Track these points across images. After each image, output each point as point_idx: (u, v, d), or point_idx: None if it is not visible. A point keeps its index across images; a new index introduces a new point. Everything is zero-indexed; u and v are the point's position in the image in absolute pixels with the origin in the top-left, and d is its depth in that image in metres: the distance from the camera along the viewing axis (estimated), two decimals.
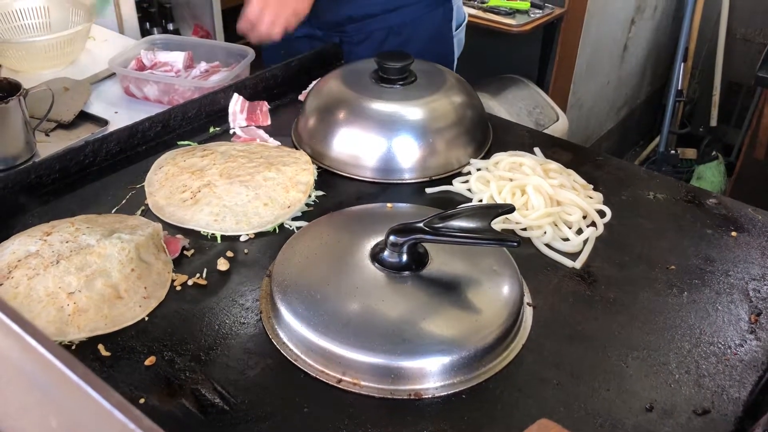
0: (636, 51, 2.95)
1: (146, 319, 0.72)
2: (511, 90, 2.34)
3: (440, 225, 0.70)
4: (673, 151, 3.05)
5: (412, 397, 0.64)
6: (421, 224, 0.71)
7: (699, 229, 0.88)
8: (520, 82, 2.40)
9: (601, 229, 0.86)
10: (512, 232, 0.85)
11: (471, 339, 0.66)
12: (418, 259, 0.72)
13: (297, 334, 0.68)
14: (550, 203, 0.87)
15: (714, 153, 3.06)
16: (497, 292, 0.71)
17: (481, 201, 0.90)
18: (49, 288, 0.72)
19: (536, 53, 2.46)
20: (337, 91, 1.02)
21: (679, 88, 2.88)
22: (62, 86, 1.29)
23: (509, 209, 0.73)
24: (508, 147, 1.02)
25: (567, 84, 2.55)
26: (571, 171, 0.94)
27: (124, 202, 0.89)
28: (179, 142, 1.02)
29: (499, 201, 0.88)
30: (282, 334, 0.70)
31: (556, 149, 1.03)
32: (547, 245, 0.83)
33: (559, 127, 2.41)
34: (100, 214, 0.85)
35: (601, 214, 0.88)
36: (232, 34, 2.36)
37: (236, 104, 1.09)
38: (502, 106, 2.26)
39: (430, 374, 0.64)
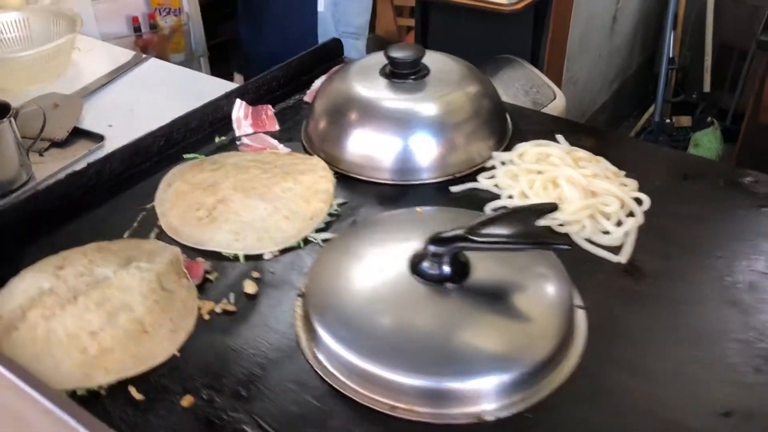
0: (625, 21, 2.91)
1: (177, 354, 0.67)
2: (506, 71, 2.28)
3: (483, 230, 0.66)
4: (668, 120, 3.03)
5: (474, 420, 0.60)
6: (462, 231, 0.66)
7: (740, 210, 0.84)
8: (515, 62, 2.35)
9: (641, 218, 0.82)
10: (549, 229, 0.81)
11: (528, 352, 0.62)
12: (461, 269, 0.68)
13: (340, 359, 0.64)
14: (585, 195, 0.83)
15: (709, 119, 3.03)
16: (548, 297, 0.67)
17: (511, 197, 0.85)
18: (69, 329, 0.67)
19: (529, 32, 2.41)
20: (347, 91, 0.97)
21: (671, 56, 2.85)
22: (52, 102, 1.23)
23: (552, 208, 0.69)
24: (527, 136, 0.98)
25: (561, 60, 2.50)
26: (600, 158, 0.90)
27: (135, 224, 0.84)
28: (185, 156, 0.96)
29: (531, 195, 0.84)
30: (324, 360, 0.65)
31: (578, 135, 0.98)
32: (587, 240, 0.79)
33: (558, 105, 2.36)
34: (111, 241, 0.80)
35: (638, 202, 0.84)
36: (210, 30, 2.28)
37: (239, 110, 1.04)
38: (498, 87, 2.19)
39: (490, 394, 0.60)
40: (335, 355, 0.64)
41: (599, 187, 0.83)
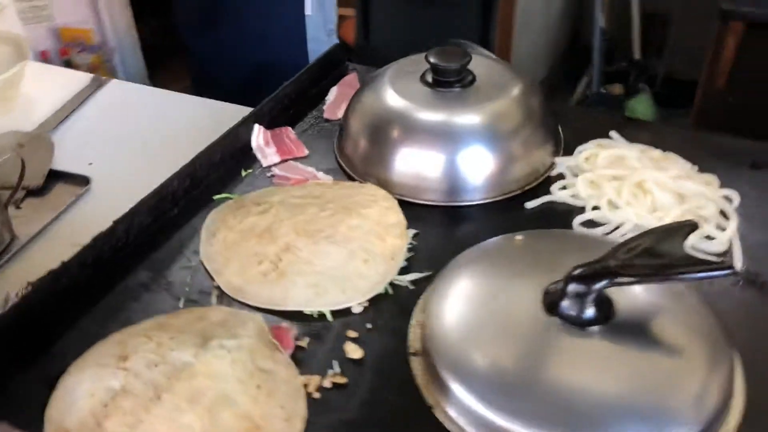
0: None
1: None
2: None
3: (631, 262, 0.59)
4: (603, 90, 3.08)
5: None
6: (607, 264, 0.59)
7: None
8: (467, 46, 2.29)
9: (737, 218, 0.77)
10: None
11: (698, 406, 0.55)
12: (605, 308, 0.61)
13: (482, 419, 0.55)
14: (677, 200, 0.77)
15: (641, 85, 3.10)
16: (703, 331, 0.60)
17: (597, 208, 0.79)
18: None
19: (477, 14, 2.36)
20: (387, 103, 0.87)
21: (602, 26, 2.89)
22: (15, 143, 1.06)
23: (692, 226, 0.63)
24: (576, 135, 0.92)
25: (510, 40, 2.47)
26: (672, 154, 0.85)
27: (187, 289, 0.72)
28: (215, 197, 0.84)
29: (622, 205, 0.77)
30: (462, 422, 0.56)
31: (628, 130, 0.93)
32: (693, 248, 0.74)
33: None
34: (171, 314, 0.68)
35: (727, 199, 0.80)
36: None
37: (259, 137, 0.93)
38: None
39: None
40: (476, 415, 0.56)
41: (688, 189, 0.78)
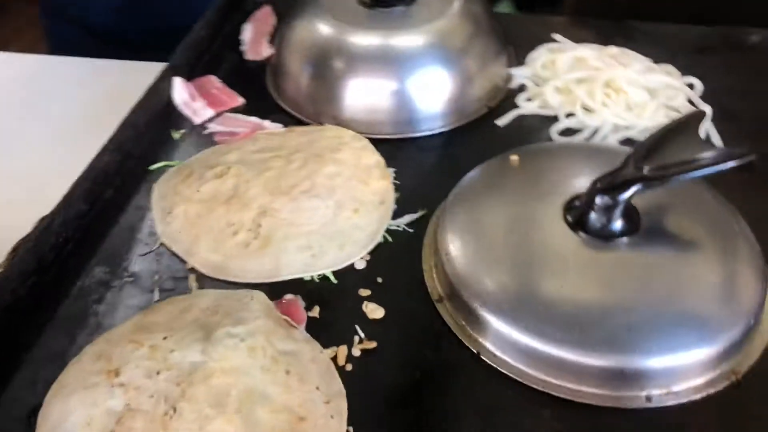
0: None
1: (350, 430, 0.50)
2: None
3: (654, 164, 0.56)
4: None
5: (732, 380, 0.52)
6: (633, 171, 0.55)
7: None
8: None
9: (706, 105, 0.76)
10: (628, 140, 0.73)
11: (739, 307, 0.54)
12: (635, 219, 0.57)
13: (557, 361, 0.51)
14: (648, 94, 0.75)
15: None
16: (728, 228, 0.58)
17: (571, 115, 0.75)
18: None
19: None
20: (325, 32, 0.78)
21: None
22: None
23: (699, 114, 0.60)
24: (521, 42, 0.87)
25: None
26: (628, 50, 0.83)
27: (156, 277, 0.62)
28: (152, 168, 0.73)
29: (597, 108, 0.75)
30: (529, 370, 0.52)
31: (570, 30, 0.90)
32: None
33: None
34: (147, 312, 0.57)
35: (690, 87, 0.79)
36: None
37: (182, 92, 0.81)
38: None
39: (715, 356, 0.52)
40: (526, 350, 0.52)
41: (656, 81, 0.77)
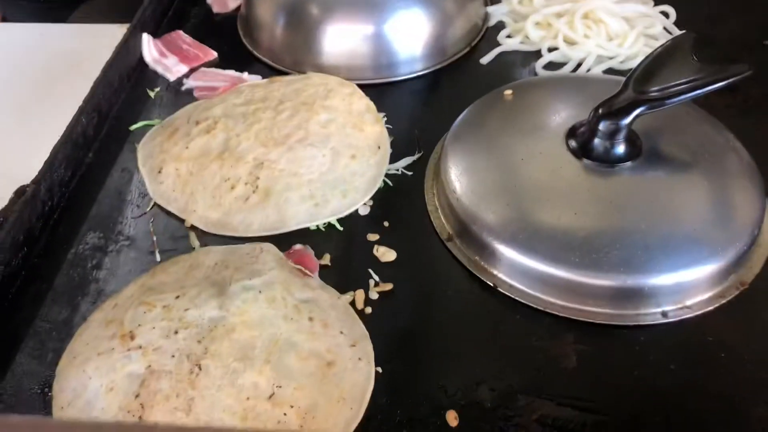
0: None
1: (379, 370, 0.50)
2: None
3: (653, 87, 0.56)
4: None
5: (741, 289, 0.54)
6: (634, 95, 0.56)
7: None
8: None
9: (681, 32, 0.77)
10: (612, 70, 0.74)
11: (745, 210, 0.55)
12: (635, 143, 0.58)
13: (575, 286, 0.52)
14: (626, 24, 0.76)
15: None
16: (724, 147, 0.59)
17: (554, 49, 0.75)
18: (236, 408, 0.46)
19: None
20: None
21: None
22: None
23: (689, 35, 0.61)
24: None
25: None
26: None
27: (154, 238, 0.59)
28: (132, 128, 0.69)
29: (578, 39, 0.75)
30: (549, 298, 0.53)
31: None
32: None
33: None
34: (153, 272, 0.56)
35: (665, 15, 0.80)
36: None
37: (150, 49, 0.77)
38: None
39: (724, 269, 0.53)
40: (543, 277, 0.52)
41: (632, 10, 0.77)
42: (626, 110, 0.55)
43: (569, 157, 0.58)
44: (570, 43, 0.75)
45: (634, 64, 0.71)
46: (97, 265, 0.57)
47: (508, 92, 0.65)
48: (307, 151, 0.62)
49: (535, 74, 0.74)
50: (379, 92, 0.73)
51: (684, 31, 0.64)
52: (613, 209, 0.55)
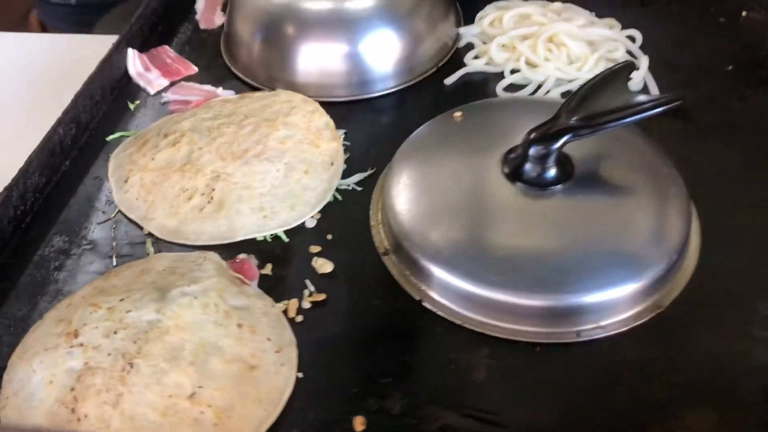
0: None
1: (300, 375, 0.53)
2: None
3: (583, 114, 0.58)
4: None
5: (655, 314, 0.55)
6: (564, 121, 0.58)
7: (715, 19, 0.84)
8: None
9: (645, 56, 0.79)
10: (569, 92, 0.75)
11: (665, 244, 0.57)
12: (568, 167, 0.60)
13: (494, 304, 0.54)
14: (589, 48, 0.78)
15: None
16: (656, 172, 0.61)
17: (516, 71, 0.78)
18: (158, 404, 0.50)
19: None
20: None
21: None
22: None
23: (629, 65, 0.63)
24: (473, 1, 0.89)
25: None
26: (571, 5, 0.85)
27: (114, 244, 0.64)
28: (108, 138, 0.74)
29: (539, 62, 0.77)
30: (468, 313, 0.56)
31: None
32: None
33: None
34: (106, 276, 0.60)
35: (631, 39, 0.81)
36: None
37: (135, 63, 0.82)
38: None
39: (625, 302, 0.55)
40: (485, 301, 0.55)
41: (596, 35, 0.79)
42: (555, 136, 0.58)
43: (503, 180, 0.60)
44: (531, 65, 0.77)
45: None
46: (59, 267, 0.62)
47: (458, 114, 0.68)
48: (262, 166, 0.66)
49: (496, 95, 0.76)
50: (346, 109, 0.76)
51: (626, 60, 0.66)
52: (537, 231, 0.57)
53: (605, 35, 0.79)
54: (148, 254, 0.63)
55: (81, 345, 0.53)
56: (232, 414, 0.50)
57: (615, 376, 0.52)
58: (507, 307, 0.54)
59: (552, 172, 0.59)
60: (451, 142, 0.66)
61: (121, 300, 0.56)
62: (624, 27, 0.82)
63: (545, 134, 0.58)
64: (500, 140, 0.63)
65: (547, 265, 0.55)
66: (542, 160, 0.59)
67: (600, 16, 0.84)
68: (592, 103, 0.59)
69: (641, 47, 0.80)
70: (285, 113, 0.71)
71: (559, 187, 0.60)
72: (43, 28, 1.43)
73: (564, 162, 0.60)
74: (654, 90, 0.75)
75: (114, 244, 0.64)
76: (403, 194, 0.61)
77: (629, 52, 0.79)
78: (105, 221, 0.66)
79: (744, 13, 0.85)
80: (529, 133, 0.59)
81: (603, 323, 0.54)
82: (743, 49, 0.80)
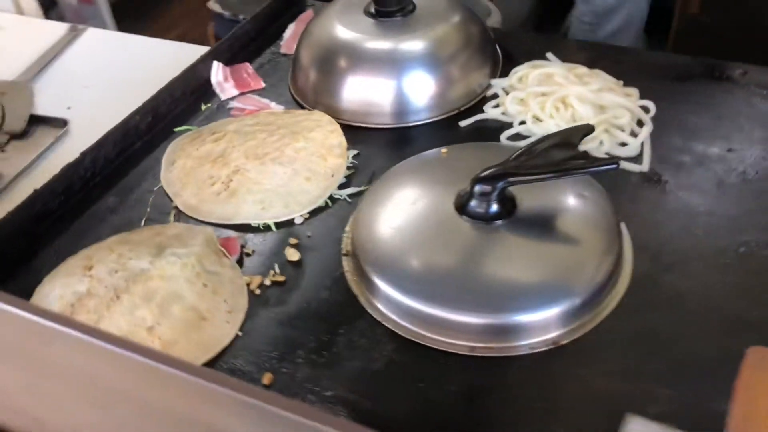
0: None
1: (240, 334, 0.65)
2: None
3: (528, 162, 0.66)
4: None
5: (552, 346, 0.61)
6: (507, 167, 0.66)
7: (739, 103, 0.87)
8: None
9: (650, 125, 0.83)
10: (585, 153, 0.82)
11: (588, 274, 0.63)
12: (509, 205, 0.68)
13: (412, 311, 0.64)
14: (596, 111, 0.84)
15: None
16: (594, 219, 0.68)
17: (523, 123, 0.85)
18: (123, 329, 0.64)
19: None
20: (333, 36, 0.93)
21: None
22: None
23: (588, 129, 0.70)
24: (517, 58, 0.97)
25: None
26: (598, 71, 0.91)
27: (149, 209, 0.80)
28: (176, 129, 0.92)
29: (545, 118, 0.84)
30: (392, 315, 0.65)
31: (567, 52, 0.98)
32: (607, 154, 0.81)
33: (495, 20, 2.35)
34: (132, 231, 0.76)
35: (645, 109, 0.86)
36: None
37: (218, 73, 0.99)
38: None
39: (560, 320, 0.62)
40: (406, 308, 0.64)
41: (608, 100, 0.84)
42: (496, 178, 0.66)
43: (453, 212, 0.69)
44: (538, 120, 0.84)
45: (589, 146, 0.80)
46: (103, 220, 0.79)
47: (444, 150, 0.77)
48: (274, 168, 0.80)
49: (498, 141, 0.84)
50: (367, 134, 0.88)
51: (584, 123, 0.72)
52: (475, 259, 0.66)
53: (616, 102, 0.84)
54: (168, 222, 0.78)
55: (91, 276, 0.69)
56: (175, 348, 0.63)
57: (489, 394, 0.59)
58: (418, 314, 0.63)
59: (494, 208, 0.67)
60: (427, 174, 0.75)
61: (130, 250, 0.71)
62: (648, 97, 0.87)
63: (487, 176, 0.66)
64: (465, 177, 0.72)
65: (477, 289, 0.63)
66: (485, 197, 0.67)
67: (627, 85, 0.90)
68: (540, 155, 0.67)
69: (660, 119, 0.84)
70: (309, 129, 0.85)
71: (500, 222, 0.67)
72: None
73: (506, 201, 0.68)
74: (646, 158, 0.80)
75: (148, 209, 0.80)
76: (370, 210, 0.72)
77: (641, 122, 0.84)
78: (149, 191, 0.82)
79: None
80: (480, 172, 0.67)
81: (494, 345, 0.61)
82: (755, 134, 0.82)
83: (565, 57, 0.96)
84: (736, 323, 0.62)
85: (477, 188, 0.67)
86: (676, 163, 0.79)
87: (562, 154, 0.66)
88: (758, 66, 0.92)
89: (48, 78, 1.20)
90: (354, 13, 0.95)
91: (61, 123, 1.07)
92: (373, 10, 0.94)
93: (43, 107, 1.11)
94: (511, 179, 0.65)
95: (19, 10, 1.62)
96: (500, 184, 0.66)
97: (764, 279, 0.65)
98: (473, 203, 0.68)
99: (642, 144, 0.81)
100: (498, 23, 2.36)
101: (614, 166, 0.65)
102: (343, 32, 0.93)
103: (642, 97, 0.87)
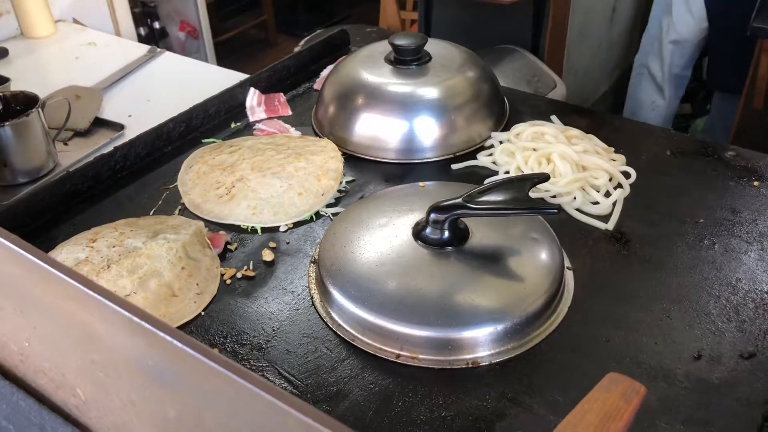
0: (624, 12, 2.96)
1: (202, 314, 0.74)
2: (507, 60, 2.34)
3: (479, 199, 0.72)
4: None
5: (470, 365, 0.67)
6: (460, 200, 0.73)
7: (721, 181, 0.90)
8: (516, 51, 2.41)
9: (627, 189, 0.88)
10: (542, 200, 0.87)
11: (519, 306, 0.69)
12: (460, 235, 0.74)
13: (352, 315, 0.70)
14: (576, 169, 0.89)
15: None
16: (539, 259, 0.74)
17: (507, 173, 0.92)
18: None
19: (529, 22, 2.47)
20: (354, 77, 1.04)
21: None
22: (74, 95, 1.30)
23: (543, 178, 0.76)
24: (524, 117, 1.04)
25: (561, 50, 2.56)
26: (591, 136, 0.96)
27: (160, 202, 0.91)
28: (203, 140, 1.03)
29: (526, 170, 0.90)
30: (336, 317, 0.72)
31: (572, 116, 1.05)
32: (578, 210, 0.86)
33: (558, 93, 2.42)
34: (139, 217, 0.87)
35: (626, 175, 0.90)
36: (216, 27, 2.43)
37: (253, 98, 1.11)
38: (500, 76, 2.27)
39: (484, 342, 0.67)
40: (347, 312, 0.71)
41: (589, 161, 0.90)
42: (448, 210, 0.73)
43: (410, 237, 0.76)
44: (520, 171, 0.91)
45: (564, 200, 0.86)
46: (120, 206, 0.91)
47: (422, 184, 0.85)
48: (272, 180, 0.89)
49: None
50: (366, 165, 0.97)
51: (540, 172, 0.78)
52: (429, 280, 0.72)
53: (597, 163, 0.89)
54: (173, 214, 0.89)
55: (92, 247, 0.79)
56: None
57: (399, 397, 0.64)
58: (363, 324, 0.70)
59: (446, 235, 0.74)
60: (400, 202, 0.83)
61: (132, 231, 0.82)
62: (633, 165, 0.92)
63: (440, 207, 0.73)
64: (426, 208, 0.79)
65: (428, 304, 0.69)
66: (437, 225, 0.73)
67: (617, 151, 0.95)
68: (492, 194, 0.73)
69: (640, 185, 0.89)
70: (313, 153, 0.94)
71: (450, 248, 0.74)
72: None
73: (457, 230, 0.74)
74: (615, 217, 0.84)
75: (159, 202, 0.91)
76: (340, 225, 0.80)
77: (620, 185, 0.89)
78: (165, 188, 0.94)
79: (755, 183, 0.89)
80: (434, 204, 0.74)
81: (420, 356, 0.67)
82: (727, 211, 0.85)
83: (569, 121, 1.02)
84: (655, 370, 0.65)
85: (432, 216, 0.74)
86: (645, 226, 0.83)
87: (512, 195, 0.72)
88: (750, 150, 0.95)
89: (119, 88, 1.36)
90: (376, 59, 1.05)
91: (119, 127, 1.22)
92: (392, 58, 1.03)
93: (109, 113, 1.27)
94: (459, 212, 0.72)
95: (117, 32, 1.83)
96: (451, 214, 0.72)
97: (687, 337, 0.69)
98: (428, 230, 0.74)
99: (614, 205, 0.86)
100: (562, 96, 2.44)
101: (554, 211, 0.70)
102: (363, 74, 1.03)
103: (630, 164, 0.92)
